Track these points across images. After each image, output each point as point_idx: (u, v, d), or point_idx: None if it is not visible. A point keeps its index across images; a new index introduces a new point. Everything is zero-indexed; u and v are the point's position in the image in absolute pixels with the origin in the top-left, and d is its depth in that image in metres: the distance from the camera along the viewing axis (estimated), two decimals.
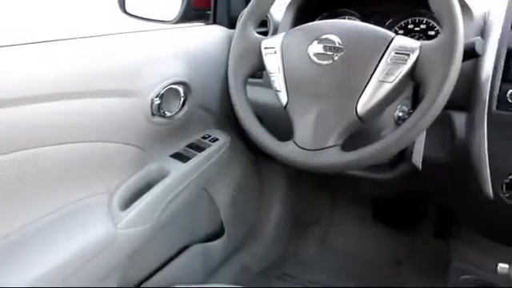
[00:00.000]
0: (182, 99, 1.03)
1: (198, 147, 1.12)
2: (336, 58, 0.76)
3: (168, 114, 1.01)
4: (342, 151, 0.75)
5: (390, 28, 1.04)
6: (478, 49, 0.77)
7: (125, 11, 1.19)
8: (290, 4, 1.06)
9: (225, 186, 1.30)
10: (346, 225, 1.63)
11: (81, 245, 0.87)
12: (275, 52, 0.83)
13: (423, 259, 1.45)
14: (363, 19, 1.06)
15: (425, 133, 0.88)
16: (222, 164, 1.20)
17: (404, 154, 0.98)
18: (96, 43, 0.92)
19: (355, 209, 1.61)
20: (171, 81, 0.99)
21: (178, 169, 1.04)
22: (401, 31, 1.04)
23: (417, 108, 0.70)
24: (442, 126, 0.91)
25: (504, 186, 0.81)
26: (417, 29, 1.02)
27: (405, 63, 0.71)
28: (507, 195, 0.81)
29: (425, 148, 0.92)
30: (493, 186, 0.81)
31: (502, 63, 0.81)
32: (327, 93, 0.76)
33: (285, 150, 0.79)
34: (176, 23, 1.19)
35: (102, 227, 0.90)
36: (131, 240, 0.95)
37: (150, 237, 1.00)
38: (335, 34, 0.77)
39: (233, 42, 0.88)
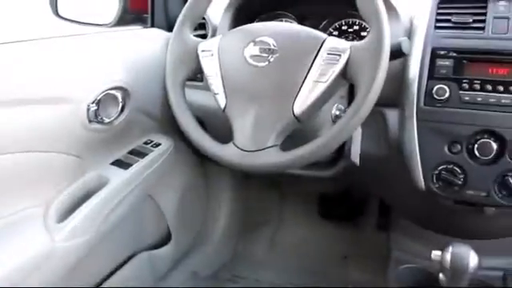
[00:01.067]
0: (121, 105, 1.01)
1: (139, 153, 1.10)
2: (271, 60, 0.77)
3: (106, 120, 0.98)
4: (280, 151, 0.76)
5: (325, 29, 1.07)
6: (404, 48, 0.81)
7: (57, 14, 1.14)
8: (228, 7, 1.06)
9: (170, 191, 1.28)
10: (294, 223, 1.65)
11: (16, 261, 0.82)
12: (212, 55, 0.83)
13: (368, 252, 1.50)
14: (299, 21, 1.08)
15: (361, 130, 0.91)
16: (166, 169, 1.18)
17: (343, 151, 1.02)
18: (28, 48, 0.88)
19: (302, 206, 1.64)
20: (108, 86, 0.96)
21: (118, 176, 1.01)
22: (335, 32, 1.07)
23: (350, 106, 0.72)
24: (376, 122, 0.95)
25: (434, 177, 0.85)
26: (350, 30, 1.06)
27: (337, 63, 0.74)
28: (437, 186, 0.85)
29: (362, 144, 0.95)
30: (424, 178, 0.86)
31: (427, 62, 0.86)
32: (264, 94, 0.77)
33: (225, 152, 0.79)
34: (112, 27, 1.16)
35: (38, 241, 0.86)
36: (71, 253, 0.92)
37: (92, 248, 0.97)
38: (270, 36, 0.78)
39: (169, 46, 0.87)
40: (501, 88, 0.81)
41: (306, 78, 0.75)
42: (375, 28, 0.72)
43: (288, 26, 0.85)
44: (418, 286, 1.07)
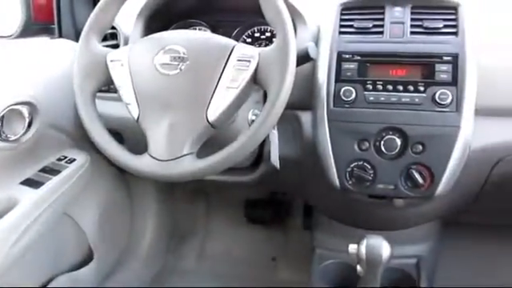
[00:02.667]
0: (28, 120, 0.95)
1: (52, 170, 1.04)
2: (182, 68, 0.77)
3: (12, 137, 0.92)
4: (196, 159, 0.76)
5: (238, 37, 1.09)
6: (311, 53, 0.85)
7: None
8: (139, 16, 1.04)
9: (89, 207, 1.23)
10: (222, 230, 1.66)
11: None
12: (122, 65, 0.81)
13: (295, 252, 1.54)
14: (213, 30, 1.09)
15: (276, 133, 0.94)
16: (83, 185, 1.13)
17: (262, 156, 1.04)
18: None
19: (229, 212, 1.65)
20: (12, 101, 0.91)
21: (29, 196, 0.95)
22: (249, 40, 1.09)
23: (261, 111, 0.74)
24: (292, 125, 0.98)
25: (347, 174, 0.89)
26: (263, 37, 1.09)
27: (247, 69, 0.75)
28: (350, 183, 0.90)
29: (280, 148, 0.98)
30: (338, 176, 0.90)
31: (334, 65, 0.90)
32: (177, 102, 0.77)
33: (140, 162, 0.78)
34: (16, 38, 1.10)
35: None
36: None
37: (3, 274, 0.90)
38: (180, 44, 0.78)
39: (76, 57, 0.84)
40: (401, 87, 0.87)
41: (217, 84, 0.76)
42: (281, 34, 0.74)
43: (198, 34, 0.86)
44: (341, 279, 1.11)
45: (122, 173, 1.36)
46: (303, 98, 0.94)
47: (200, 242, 1.65)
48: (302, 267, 1.42)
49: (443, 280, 1.28)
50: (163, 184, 1.49)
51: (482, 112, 0.87)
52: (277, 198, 1.62)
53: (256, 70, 0.75)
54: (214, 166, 0.74)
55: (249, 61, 0.75)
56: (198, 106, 0.76)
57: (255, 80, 0.76)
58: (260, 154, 1.04)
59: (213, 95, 0.75)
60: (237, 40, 1.08)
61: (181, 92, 0.77)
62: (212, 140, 0.80)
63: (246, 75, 0.75)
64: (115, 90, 1.05)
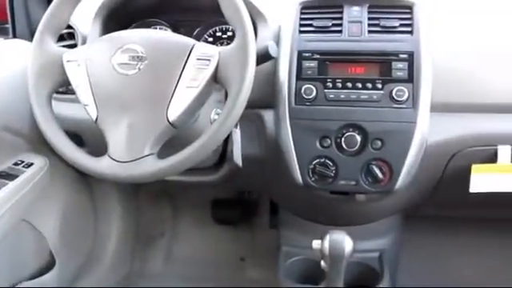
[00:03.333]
0: None
1: (8, 175, 1.01)
2: (141, 67, 0.76)
3: None
4: (157, 159, 0.75)
5: (199, 36, 1.08)
6: (271, 51, 0.85)
7: None
8: (96, 15, 1.02)
9: (50, 213, 1.19)
10: (190, 231, 1.64)
11: None
12: (79, 65, 0.79)
13: (263, 251, 1.54)
14: (174, 29, 1.08)
15: (239, 132, 0.94)
16: (42, 190, 1.10)
17: (226, 155, 1.04)
18: None
19: (196, 213, 1.64)
20: None
21: None
22: (210, 39, 1.09)
23: (222, 110, 0.74)
24: (255, 124, 0.98)
25: (309, 171, 0.91)
26: (224, 36, 1.09)
27: (207, 68, 0.75)
28: (313, 179, 0.91)
29: (243, 147, 0.98)
30: (301, 173, 0.91)
31: (294, 64, 0.91)
32: (136, 102, 0.76)
33: (99, 165, 0.76)
34: None
35: None
36: None
37: None
38: (138, 44, 0.77)
39: (30, 58, 0.81)
40: (359, 85, 0.89)
41: (177, 84, 0.75)
42: (240, 33, 0.74)
43: (156, 33, 0.85)
44: (307, 275, 1.12)
45: (83, 176, 1.33)
46: (265, 97, 0.95)
47: (167, 245, 1.63)
48: (270, 266, 1.42)
49: (406, 271, 1.32)
50: (127, 186, 1.47)
51: (437, 108, 0.89)
52: (243, 197, 1.62)
53: (216, 69, 0.75)
54: (175, 166, 0.74)
55: (209, 60, 0.75)
56: (158, 106, 0.75)
57: (216, 79, 0.76)
58: (224, 153, 1.04)
59: (173, 95, 0.75)
60: (198, 39, 1.07)
61: (140, 92, 0.76)
62: (174, 140, 0.80)
63: (206, 74, 0.75)
64: (73, 92, 1.04)
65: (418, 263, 1.39)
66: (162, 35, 0.83)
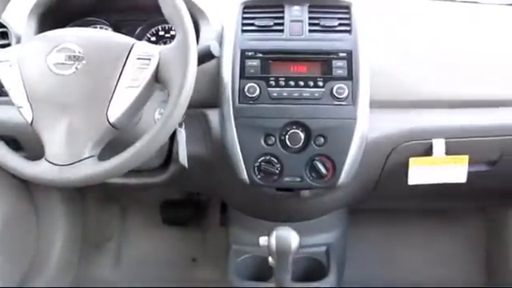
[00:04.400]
0: None
1: None
2: (79, 67, 0.74)
3: None
4: (98, 161, 0.74)
5: (141, 36, 1.06)
6: (213, 51, 0.85)
7: None
8: (32, 13, 0.98)
9: None
10: (139, 234, 1.62)
11: None
12: (11, 65, 0.76)
13: (215, 251, 1.54)
14: (115, 28, 1.06)
15: (184, 132, 0.93)
16: None
17: (172, 156, 1.03)
18: None
19: (145, 215, 1.61)
20: None
21: None
22: (153, 38, 1.08)
23: (164, 110, 0.73)
24: (200, 123, 0.98)
25: (255, 169, 0.91)
26: (168, 35, 1.08)
27: (147, 68, 0.74)
28: (259, 177, 0.92)
29: (188, 147, 0.97)
30: (247, 171, 0.91)
31: (237, 63, 0.92)
32: (74, 104, 0.74)
33: (36, 169, 0.73)
34: None
35: None
36: None
37: None
38: (74, 43, 0.75)
39: None
40: (301, 83, 0.91)
41: (117, 84, 0.74)
42: (180, 32, 0.74)
43: (94, 32, 0.83)
44: (257, 273, 1.13)
45: (23, 182, 1.27)
46: (210, 96, 0.95)
47: (115, 248, 1.59)
48: (221, 265, 1.43)
49: (353, 264, 1.36)
50: (71, 190, 1.42)
51: (376, 104, 0.93)
52: (194, 197, 1.61)
53: (157, 69, 0.75)
54: (116, 168, 0.72)
55: (149, 59, 0.74)
56: (98, 107, 0.73)
57: (157, 79, 0.75)
58: (169, 153, 1.03)
59: (113, 95, 0.74)
60: (140, 39, 1.06)
61: (78, 92, 0.74)
62: (116, 141, 0.78)
63: (147, 74, 0.74)
64: (7, 93, 0.99)
65: (364, 255, 1.44)
66: (100, 34, 0.81)
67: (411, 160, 0.98)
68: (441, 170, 0.97)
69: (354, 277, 1.35)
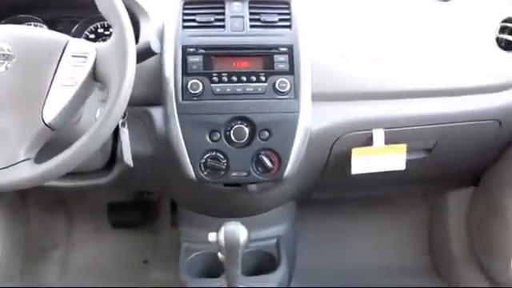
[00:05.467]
0: None
1: None
2: (9, 66, 0.71)
3: None
4: (34, 164, 0.71)
5: (79, 33, 1.03)
6: (153, 47, 0.84)
7: None
8: None
9: None
10: (87, 238, 1.57)
11: None
12: None
13: (167, 252, 1.52)
14: (50, 26, 1.02)
15: (127, 131, 0.91)
16: None
17: (116, 156, 1.00)
18: None
19: (93, 219, 1.57)
20: None
21: None
22: (92, 35, 1.05)
23: (103, 109, 0.72)
24: (143, 122, 0.96)
25: (201, 166, 0.91)
26: (107, 32, 1.05)
27: (84, 65, 0.72)
28: (206, 173, 0.92)
29: (133, 146, 0.95)
30: (193, 168, 0.91)
31: (179, 59, 0.91)
32: (6, 104, 0.71)
33: None
34: None
35: None
36: None
37: None
38: (4, 41, 0.72)
39: None
40: (244, 78, 0.91)
41: (52, 82, 0.71)
42: (117, 28, 0.72)
43: (26, 30, 0.79)
44: (208, 270, 1.13)
45: None
46: (152, 94, 0.93)
47: (62, 256, 1.54)
48: (174, 265, 1.41)
49: (304, 254, 1.39)
50: (11, 196, 1.35)
51: (318, 97, 0.95)
52: (143, 198, 1.58)
53: (95, 67, 0.73)
54: (53, 170, 0.70)
55: (85, 57, 0.72)
56: (32, 107, 0.70)
57: (95, 77, 0.74)
58: (114, 153, 1.00)
59: (47, 94, 0.71)
60: (79, 36, 1.03)
61: (9, 92, 0.71)
62: (56, 143, 0.75)
63: (84, 72, 0.72)
64: None
65: (314, 246, 1.48)
66: (31, 32, 0.78)
67: (354, 150, 1.01)
68: (381, 158, 1.01)
69: (305, 267, 1.38)
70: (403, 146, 1.02)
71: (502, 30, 1.05)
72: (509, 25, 1.05)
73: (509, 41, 1.05)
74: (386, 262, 1.48)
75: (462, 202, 1.40)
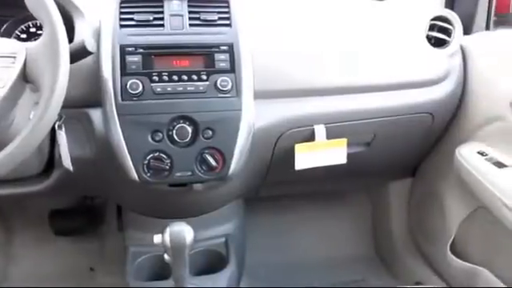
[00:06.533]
0: None
1: None
2: None
3: None
4: None
5: (9, 32, 0.99)
6: (88, 47, 0.82)
7: None
8: None
9: None
10: (28, 248, 1.49)
11: None
12: None
13: (114, 257, 1.48)
14: None
15: (64, 134, 0.88)
16: None
17: (54, 160, 0.97)
18: None
19: (35, 228, 1.49)
20: None
21: None
22: (23, 35, 1.00)
23: (35, 112, 0.69)
24: (82, 124, 0.94)
25: (144, 167, 0.90)
26: (40, 32, 1.01)
27: (13, 66, 0.69)
28: (149, 175, 0.90)
29: (72, 149, 0.92)
30: (136, 170, 0.89)
31: (117, 59, 0.89)
32: None
33: None
34: None
35: None
36: None
37: None
38: None
39: None
40: (185, 77, 0.91)
41: None
42: (47, 27, 0.70)
43: None
44: (157, 272, 1.11)
45: None
46: (91, 95, 0.91)
47: (1, 268, 1.46)
48: (121, 270, 1.38)
49: (253, 251, 1.40)
50: None
51: (260, 95, 0.96)
52: (87, 204, 1.53)
53: (25, 67, 0.70)
54: None
55: (14, 57, 0.69)
56: None
57: (26, 78, 0.70)
58: (51, 158, 0.96)
59: None
60: (8, 36, 0.98)
61: None
62: None
63: (13, 73, 0.69)
64: None
65: (264, 243, 1.49)
66: None
67: (296, 146, 1.03)
68: (323, 153, 1.04)
69: (255, 264, 1.39)
70: (344, 141, 1.06)
71: (432, 27, 1.11)
72: (437, 23, 1.12)
73: (438, 38, 1.11)
74: (334, 253, 1.52)
75: (402, 193, 1.46)
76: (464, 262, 1.18)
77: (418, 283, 1.34)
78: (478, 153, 1.08)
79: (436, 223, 1.29)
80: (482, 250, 1.15)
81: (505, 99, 1.01)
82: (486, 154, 1.07)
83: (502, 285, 1.08)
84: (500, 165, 1.03)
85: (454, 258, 1.21)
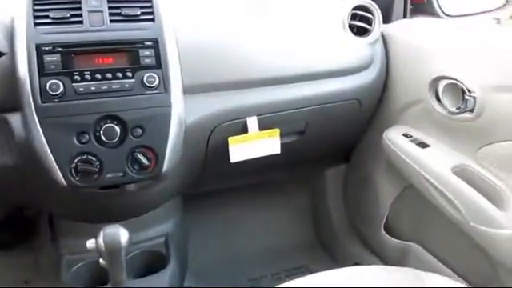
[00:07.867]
0: None
1: None
2: None
3: None
4: None
5: None
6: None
7: None
8: None
9: None
10: None
11: None
12: None
13: (50, 268, 1.41)
14: None
15: None
16: None
17: None
18: None
19: None
20: None
21: None
22: None
23: None
24: (0, 130, 0.88)
25: (72, 171, 0.86)
26: None
27: None
28: (77, 179, 0.86)
29: None
30: (62, 175, 0.85)
31: (34, 59, 0.84)
32: None
33: None
34: None
35: None
36: None
37: None
38: None
39: None
40: (109, 75, 0.88)
41: None
42: None
43: None
44: (95, 278, 1.07)
45: None
46: (8, 98, 0.86)
47: None
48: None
49: (197, 248, 1.39)
50: None
51: (189, 90, 0.95)
52: (17, 215, 1.45)
53: None
54: None
55: None
56: None
57: None
58: None
59: None
60: None
61: None
62: None
63: None
64: None
65: (206, 239, 1.48)
66: None
67: (230, 139, 1.03)
68: (257, 144, 1.05)
69: (199, 262, 1.38)
70: (276, 131, 1.07)
71: (353, 17, 1.15)
72: (359, 12, 1.16)
73: (360, 27, 1.15)
74: (276, 243, 1.54)
75: (338, 179, 1.51)
76: (397, 240, 1.24)
77: (356, 264, 1.39)
78: (403, 135, 1.14)
79: (370, 205, 1.34)
80: (413, 227, 1.22)
81: (424, 83, 1.07)
82: (411, 136, 1.13)
83: (433, 258, 1.15)
84: (423, 145, 1.09)
85: (387, 236, 1.27)
